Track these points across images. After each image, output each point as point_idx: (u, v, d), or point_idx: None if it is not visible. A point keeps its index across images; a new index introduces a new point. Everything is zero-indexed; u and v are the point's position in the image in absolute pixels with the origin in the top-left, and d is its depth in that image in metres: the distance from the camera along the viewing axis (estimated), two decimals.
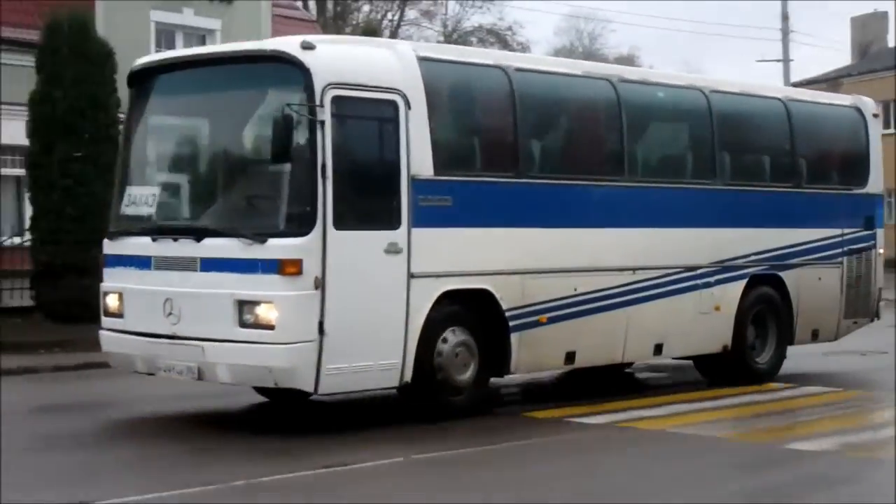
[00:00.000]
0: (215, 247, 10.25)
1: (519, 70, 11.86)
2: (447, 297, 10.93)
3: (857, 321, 15.39)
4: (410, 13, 49.58)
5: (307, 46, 10.19)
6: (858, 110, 15.68)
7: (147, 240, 10.78)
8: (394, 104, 10.62)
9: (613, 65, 14.82)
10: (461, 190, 11.13)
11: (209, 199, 10.79)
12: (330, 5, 45.81)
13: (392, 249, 10.52)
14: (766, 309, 14.21)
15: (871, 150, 15.58)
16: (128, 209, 11.07)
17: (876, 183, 15.57)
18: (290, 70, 10.09)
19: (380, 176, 10.57)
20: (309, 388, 10.12)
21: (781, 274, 14.31)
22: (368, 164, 10.59)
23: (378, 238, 10.45)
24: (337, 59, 10.39)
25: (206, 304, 10.23)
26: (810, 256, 14.65)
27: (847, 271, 15.11)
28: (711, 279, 13.52)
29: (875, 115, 15.83)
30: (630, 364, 14.62)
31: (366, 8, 47.61)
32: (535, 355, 11.82)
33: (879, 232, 15.49)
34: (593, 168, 12.55)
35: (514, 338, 11.55)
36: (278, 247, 9.97)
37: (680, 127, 13.96)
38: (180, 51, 10.68)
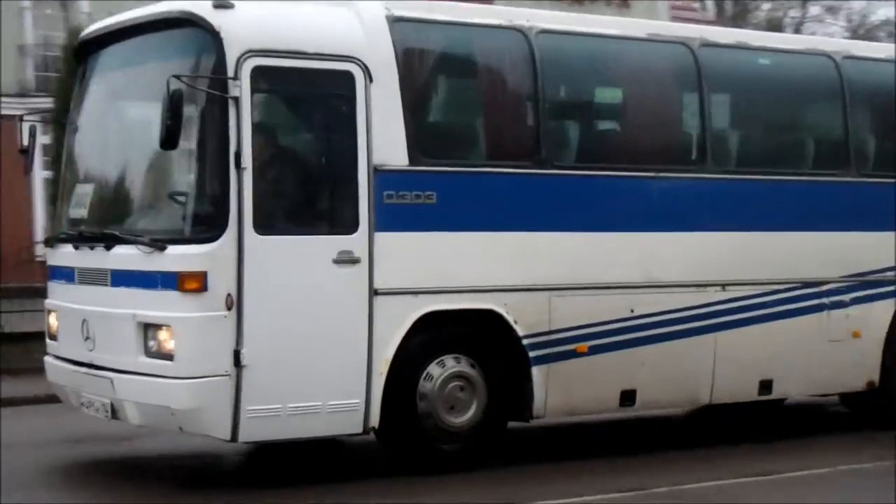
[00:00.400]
0: (122, 257, 8.32)
1: (544, 32, 9.38)
2: (435, 320, 8.67)
3: None
4: (813, 9, 47.85)
5: (220, 5, 8.13)
6: None
7: (71, 248, 9.08)
8: (348, 76, 8.39)
9: (692, 25, 11.45)
10: (454, 183, 8.76)
11: (120, 198, 8.79)
12: (728, 5, 44.75)
13: (344, 259, 8.32)
14: None
15: None
16: (68, 210, 9.27)
17: None
18: (201, 35, 8.10)
19: (325, 166, 8.46)
20: (223, 434, 8.05)
21: None
22: (309, 152, 8.57)
23: (323, 245, 8.26)
24: (263, 21, 8.27)
25: (113, 326, 8.40)
26: None
27: None
28: (846, 297, 10.57)
29: None
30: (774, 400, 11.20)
31: (766, 6, 46.28)
32: (572, 394, 9.30)
33: None
34: (662, 156, 9.82)
35: (538, 372, 9.08)
36: (177, 256, 7.98)
37: (797, 103, 11.01)
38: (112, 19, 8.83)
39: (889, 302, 10.78)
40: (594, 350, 9.29)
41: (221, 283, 7.90)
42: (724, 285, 9.86)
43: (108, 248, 8.43)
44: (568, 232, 9.21)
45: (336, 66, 8.36)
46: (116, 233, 8.38)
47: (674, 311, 9.64)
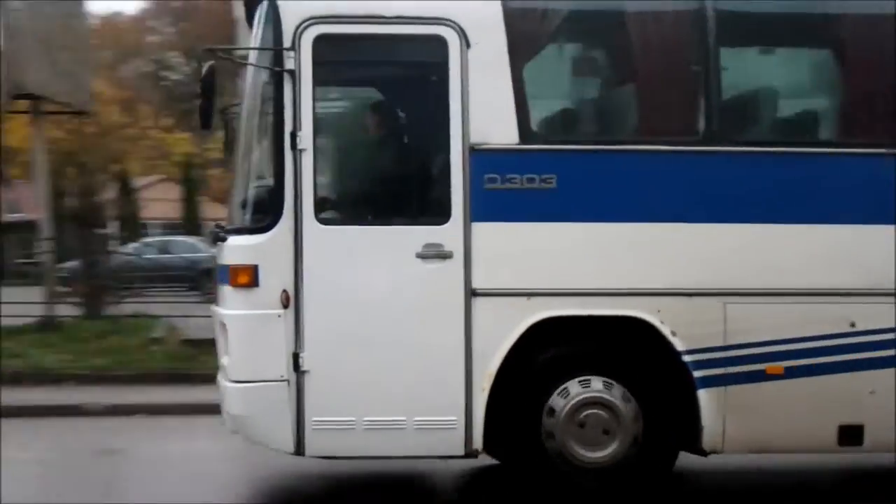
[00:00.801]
0: (224, 248, 7.61)
1: None
2: (557, 330, 7.37)
3: None
4: None
5: None
6: None
7: None
8: (439, 41, 7.29)
9: None
10: (578, 164, 7.36)
11: (239, 185, 7.88)
12: None
13: (431, 253, 7.27)
14: None
15: None
16: None
17: None
18: (267, 6, 7.34)
19: (407, 146, 7.53)
20: (285, 446, 7.28)
21: None
22: (388, 131, 7.60)
23: (403, 236, 7.26)
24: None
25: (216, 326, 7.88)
26: None
27: None
28: None
29: None
30: None
31: None
32: (763, 426, 7.56)
33: None
34: (869, 126, 7.65)
35: (708, 396, 7.47)
36: (230, 248, 7.34)
37: None
38: None
39: None
40: (793, 372, 7.48)
41: (275, 278, 7.14)
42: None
43: (222, 241, 7.67)
44: (750, 223, 7.48)
45: (423, 30, 7.29)
46: (216, 225, 7.86)
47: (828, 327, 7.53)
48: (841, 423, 7.62)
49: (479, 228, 7.26)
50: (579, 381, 7.48)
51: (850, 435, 7.62)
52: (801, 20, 7.81)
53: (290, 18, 7.23)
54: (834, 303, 7.53)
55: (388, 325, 7.22)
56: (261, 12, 7.44)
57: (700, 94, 7.54)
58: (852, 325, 7.56)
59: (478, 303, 7.27)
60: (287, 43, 7.18)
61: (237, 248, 7.28)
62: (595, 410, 7.46)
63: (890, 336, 7.54)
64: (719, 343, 7.47)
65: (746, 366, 7.49)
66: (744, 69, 7.85)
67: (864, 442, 7.65)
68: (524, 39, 7.41)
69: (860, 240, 7.54)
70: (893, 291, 7.54)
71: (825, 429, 7.63)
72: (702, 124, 7.51)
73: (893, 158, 7.52)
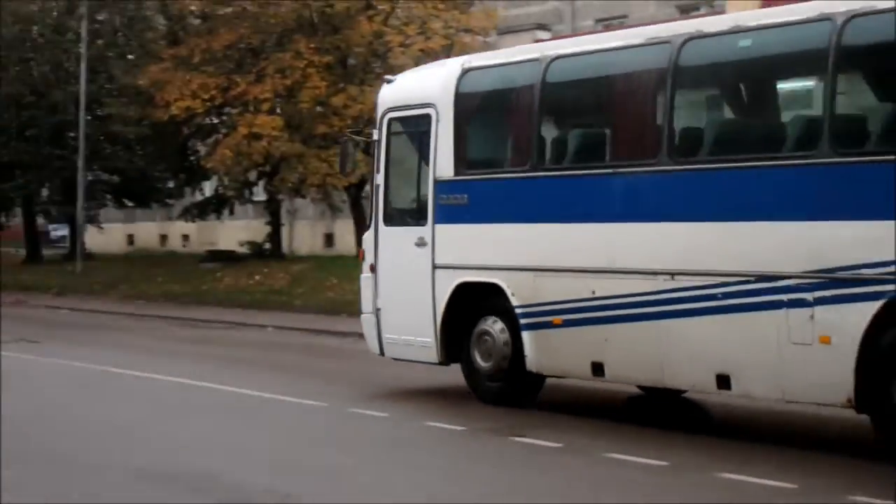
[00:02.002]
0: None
1: (557, 59, 11.96)
2: (471, 289, 12.48)
3: None
4: None
5: (388, 80, 13.74)
6: None
7: None
8: (428, 117, 12.93)
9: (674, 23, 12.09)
10: (476, 188, 12.47)
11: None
12: None
13: (420, 243, 12.88)
14: None
15: None
16: None
17: None
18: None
19: (416, 180, 13.11)
20: (376, 351, 13.50)
21: None
22: (406, 173, 13.39)
23: (411, 233, 12.95)
24: (400, 87, 13.49)
25: None
26: None
27: None
28: (809, 296, 9.55)
29: None
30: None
31: None
32: (552, 358, 11.80)
33: None
34: (617, 152, 11.50)
35: (527, 336, 11.97)
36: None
37: (763, 85, 10.80)
38: None
39: (870, 305, 9.20)
40: (567, 323, 11.54)
41: (369, 256, 13.45)
42: (672, 274, 10.54)
43: None
44: (549, 223, 11.69)
45: (422, 111, 12.95)
46: None
47: (626, 295, 10.93)
48: (592, 360, 11.36)
49: (438, 228, 12.62)
50: (483, 319, 12.45)
51: (598, 368, 11.34)
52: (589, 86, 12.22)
53: (380, 109, 13.51)
54: (584, 278, 11.32)
55: (406, 283, 12.91)
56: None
57: (531, 140, 12.08)
58: (593, 292, 11.25)
59: (437, 272, 12.65)
60: (377, 126, 13.51)
61: (363, 239, 13.78)
62: (486, 337, 12.46)
63: (619, 301, 11.00)
64: (531, 302, 11.83)
65: (544, 318, 11.70)
66: (553, 129, 12.38)
67: (606, 374, 11.32)
68: (460, 116, 12.64)
69: (606, 234, 11.14)
70: (623, 270, 10.97)
71: (584, 363, 11.43)
72: (532, 158, 11.99)
73: (636, 175, 10.92)
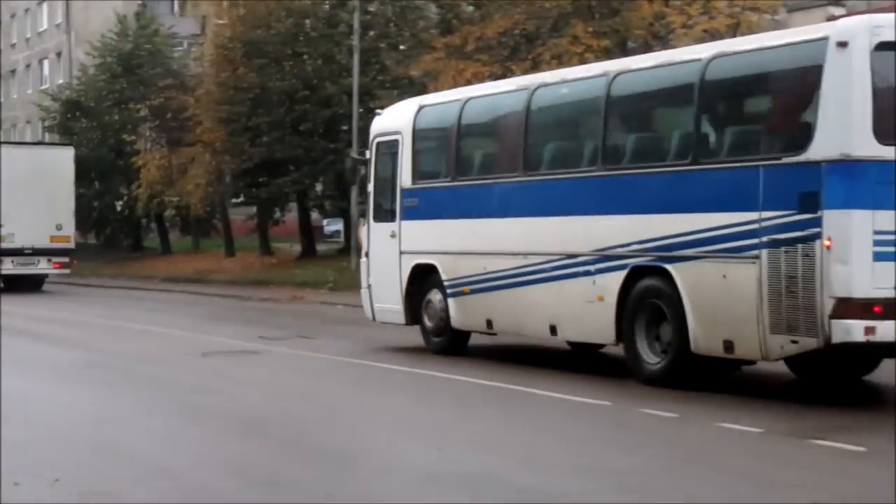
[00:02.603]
0: None
1: (471, 99, 17.93)
2: (422, 269, 17.95)
3: (795, 340, 12.11)
4: None
5: (377, 113, 19.69)
6: (819, 42, 12.12)
7: None
8: (397, 141, 18.65)
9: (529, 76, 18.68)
10: (422, 194, 18.16)
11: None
12: None
13: (392, 235, 18.45)
14: (657, 306, 13.85)
15: (821, 99, 11.95)
16: None
17: (827, 144, 11.81)
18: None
19: (390, 188, 18.76)
20: (370, 317, 19.25)
21: (669, 267, 13.52)
22: (385, 181, 19.01)
23: (388, 227, 18.60)
24: (382, 119, 19.41)
25: None
26: (709, 248, 12.94)
27: (770, 270, 12.27)
28: (591, 268, 14.79)
29: (841, 45, 11.87)
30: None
31: None
32: (466, 317, 17.30)
33: (829, 215, 11.71)
34: (498, 167, 17.17)
35: (451, 302, 17.52)
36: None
37: (572, 119, 16.51)
38: None
39: (620, 273, 14.28)
40: (473, 291, 17.07)
41: (364, 245, 19.24)
42: (525, 254, 15.93)
43: None
44: (461, 219, 17.29)
45: (394, 136, 18.66)
46: None
47: (502, 270, 16.38)
48: (486, 318, 16.81)
49: (403, 224, 18.22)
50: (430, 291, 17.93)
51: (489, 324, 16.78)
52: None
53: (371, 135, 19.32)
54: (480, 258, 16.79)
55: (385, 265, 18.48)
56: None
57: (451, 159, 17.74)
58: (485, 268, 16.68)
59: (402, 257, 18.17)
60: (369, 146, 19.26)
61: (360, 232, 21.17)
62: (430, 303, 17.93)
63: (497, 275, 16.39)
64: (452, 277, 17.34)
65: (459, 288, 17.21)
66: (464, 151, 17.75)
67: (494, 328, 16.75)
68: (415, 141, 18.29)
69: (491, 226, 16.54)
70: (500, 252, 16.38)
71: (481, 320, 16.89)
72: (452, 172, 17.67)
73: (506, 184, 16.57)
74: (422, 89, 33.77)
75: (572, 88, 16.01)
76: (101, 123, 54.61)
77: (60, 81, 68.79)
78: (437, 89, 31.23)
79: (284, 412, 12.74)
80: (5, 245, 38.96)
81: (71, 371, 16.74)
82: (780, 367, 14.49)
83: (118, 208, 56.78)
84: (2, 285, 37.65)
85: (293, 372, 16.42)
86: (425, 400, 13.73)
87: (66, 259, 40.20)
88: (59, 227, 40.00)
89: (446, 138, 17.81)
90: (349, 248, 38.31)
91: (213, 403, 13.30)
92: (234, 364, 17.26)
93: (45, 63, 78.17)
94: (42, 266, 39.83)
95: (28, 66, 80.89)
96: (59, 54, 74.93)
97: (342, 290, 31.54)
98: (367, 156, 19.42)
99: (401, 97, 37.51)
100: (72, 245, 40.59)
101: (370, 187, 19.32)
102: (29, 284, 39.50)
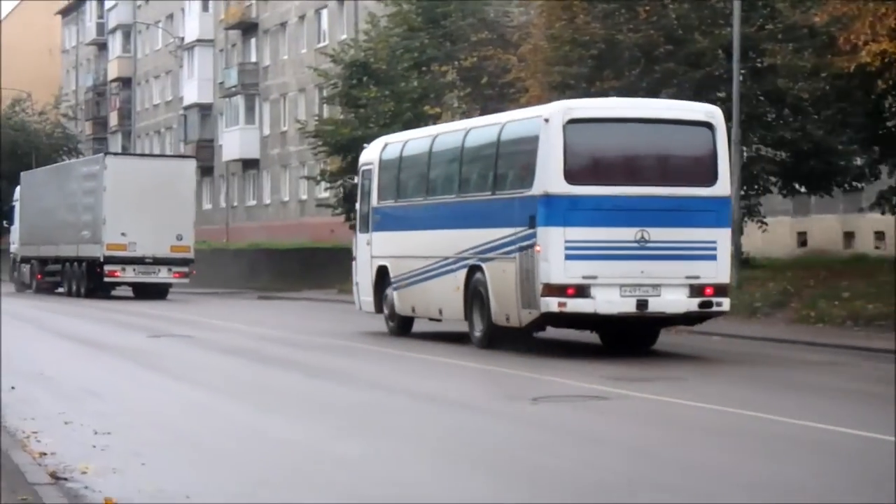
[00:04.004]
0: None
1: (439, 134, 32.33)
2: (382, 269, 32.38)
3: (531, 312, 26.16)
4: None
5: (363, 147, 35.78)
6: (537, 118, 27.20)
7: None
8: (371, 170, 33.47)
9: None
10: (382, 212, 32.71)
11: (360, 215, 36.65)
12: None
13: (368, 243, 33.09)
14: (479, 292, 27.98)
15: (539, 153, 26.34)
16: None
17: (539, 184, 26.21)
18: None
19: (367, 207, 33.62)
20: (358, 308, 34.33)
21: (483, 265, 27.92)
22: (364, 203, 34.25)
23: (366, 236, 33.41)
24: (366, 151, 34.74)
25: None
26: (499, 251, 27.35)
27: (519, 266, 26.46)
28: (454, 266, 29.05)
29: (546, 120, 26.41)
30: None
31: None
32: (403, 305, 31.48)
33: (541, 231, 25.90)
34: (417, 192, 32.04)
35: (395, 294, 31.64)
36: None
37: (447, 159, 31.19)
38: None
39: (464, 271, 28.44)
40: (405, 286, 31.30)
41: (354, 251, 34.94)
42: (425, 258, 30.33)
43: None
44: (399, 231, 32.16)
45: (370, 166, 33.86)
46: None
47: (414, 270, 30.92)
48: (412, 305, 31.39)
49: (374, 234, 33.19)
50: (387, 286, 32.35)
51: (414, 310, 31.54)
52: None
53: (360, 163, 34.99)
54: (408, 260, 31.32)
55: (363, 267, 33.71)
56: None
57: (394, 185, 32.92)
58: (411, 268, 31.16)
59: (373, 260, 32.97)
60: (358, 172, 35.37)
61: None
62: (386, 295, 32.40)
63: (415, 273, 30.91)
64: (396, 275, 31.75)
65: (398, 283, 31.65)
66: (403, 178, 32.99)
67: (416, 313, 31.61)
68: (381, 169, 33.13)
69: (413, 236, 31.47)
70: (416, 255, 30.96)
71: (409, 308, 31.58)
72: (395, 195, 32.84)
73: (415, 206, 31.77)
74: (826, 43, 33.50)
75: (448, 138, 31.32)
76: (396, 92, 56.04)
77: (343, 38, 70.85)
78: (848, 42, 31.01)
79: (659, 486, 12.95)
80: (128, 253, 54.97)
81: (353, 416, 17.66)
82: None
83: None
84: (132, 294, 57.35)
85: (659, 428, 16.58)
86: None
87: (185, 269, 56.31)
88: (179, 238, 55.55)
89: (396, 168, 32.94)
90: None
91: (560, 468, 13.65)
92: (575, 414, 17.77)
93: (324, 13, 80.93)
94: (163, 275, 55.96)
95: (302, 16, 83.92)
96: (341, 1, 77.22)
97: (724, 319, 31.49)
98: (356, 181, 35.67)
99: (796, 55, 37.64)
100: (191, 255, 56.24)
101: (357, 206, 35.56)
102: (153, 293, 56.42)
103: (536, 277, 25.58)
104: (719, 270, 26.44)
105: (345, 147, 55.01)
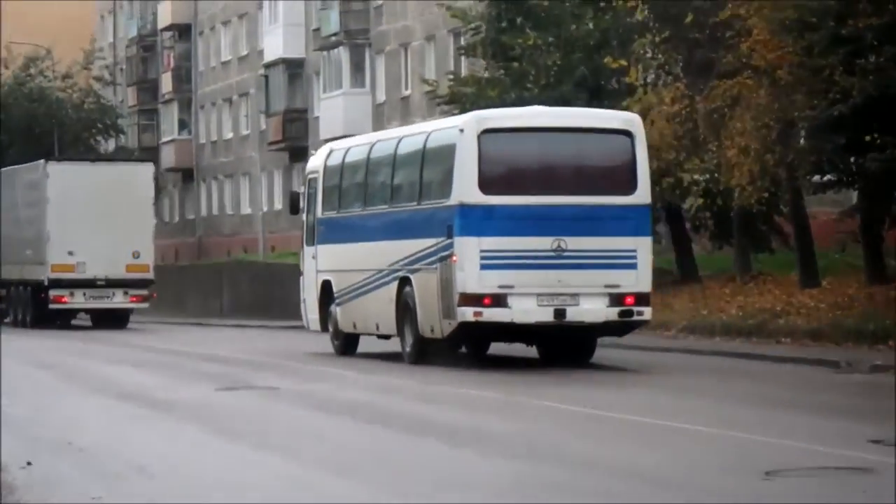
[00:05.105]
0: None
1: (377, 142, 44.20)
2: (326, 283, 44.08)
3: (450, 322, 35.56)
4: None
5: (311, 154, 58.44)
6: (453, 129, 37.48)
7: None
8: (316, 178, 45.36)
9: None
10: (325, 223, 44.63)
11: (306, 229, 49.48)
12: None
13: (313, 257, 45.41)
14: (408, 305, 37.44)
15: (456, 163, 36.14)
16: None
17: (456, 194, 35.85)
18: None
19: (312, 219, 45.75)
20: (307, 326, 46.85)
21: (412, 276, 37.41)
22: (309, 214, 46.77)
23: (311, 249, 45.65)
24: (312, 159, 49.48)
25: None
26: (422, 262, 36.98)
27: (440, 276, 35.98)
28: (387, 279, 39.19)
29: (461, 130, 36.13)
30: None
31: None
32: (345, 322, 42.93)
33: (457, 241, 35.51)
34: (356, 203, 43.38)
35: (338, 310, 43.25)
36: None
37: (380, 170, 41.97)
38: None
39: (395, 283, 39.19)
40: (346, 301, 42.94)
41: (301, 266, 48.07)
42: (363, 270, 41.82)
43: None
44: (338, 244, 44.01)
45: (315, 174, 45.88)
46: None
47: (354, 283, 42.39)
48: (353, 321, 43.06)
49: (319, 247, 45.21)
50: (331, 302, 44.28)
51: (356, 326, 42.99)
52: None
53: (306, 172, 49.06)
54: (349, 275, 42.86)
55: (310, 282, 45.93)
56: None
57: (335, 196, 44.81)
58: (350, 282, 42.75)
59: (318, 274, 45.01)
60: (303, 182, 49.62)
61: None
62: (330, 311, 44.06)
63: (354, 287, 42.39)
64: (339, 290, 43.47)
65: (341, 298, 43.34)
66: (343, 190, 44.96)
67: (357, 329, 43.17)
68: (324, 178, 44.98)
69: (352, 249, 43.13)
70: (355, 269, 42.56)
71: (350, 324, 43.08)
72: (337, 207, 44.59)
73: (353, 218, 43.70)
74: None
75: (384, 146, 41.12)
76: (564, 38, 56.25)
77: None
78: None
79: None
80: (76, 275, 62.29)
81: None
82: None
83: None
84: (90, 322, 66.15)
85: None
86: None
87: (144, 291, 64.49)
88: (136, 255, 63.34)
89: (338, 177, 42.80)
90: None
91: None
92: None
93: None
94: (118, 300, 63.72)
95: None
96: None
97: None
98: (301, 190, 45.38)
99: None
100: (151, 275, 64.60)
101: (303, 216, 45.58)
102: (109, 321, 64.19)
103: (454, 287, 35.53)
104: (640, 279, 35.83)
105: None
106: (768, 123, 44.81)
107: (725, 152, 46.43)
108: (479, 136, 35.48)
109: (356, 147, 44.14)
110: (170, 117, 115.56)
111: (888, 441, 21.34)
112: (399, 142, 40.70)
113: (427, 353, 37.89)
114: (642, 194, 35.59)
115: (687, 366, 38.57)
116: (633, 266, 35.35)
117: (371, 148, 42.34)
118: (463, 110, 57.15)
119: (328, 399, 30.66)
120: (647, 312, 35.54)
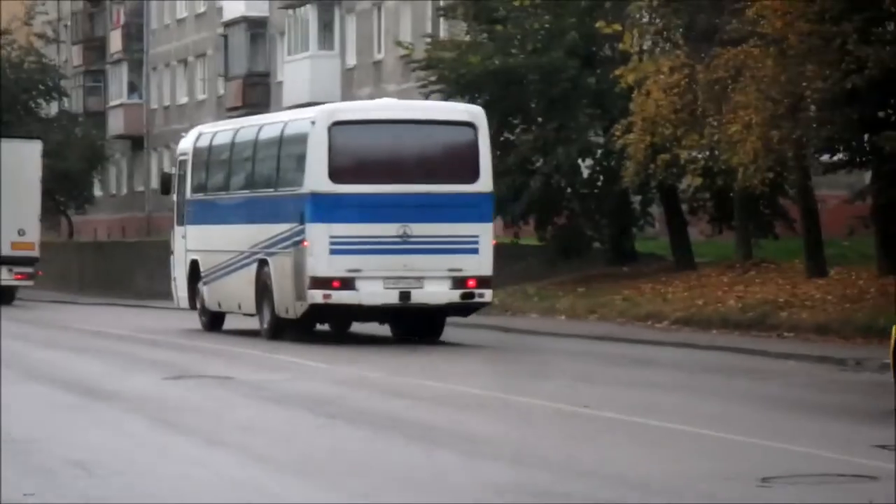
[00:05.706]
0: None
1: (241, 128, 52.59)
2: (195, 263, 52.65)
3: (302, 304, 43.51)
4: None
5: (182, 136, 58.08)
6: (306, 120, 46.19)
7: None
8: (186, 161, 54.73)
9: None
10: (195, 205, 53.27)
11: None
12: None
13: (183, 237, 54.21)
14: (266, 286, 45.99)
15: (308, 153, 44.26)
16: None
17: (307, 183, 43.78)
18: None
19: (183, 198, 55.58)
20: (176, 304, 56.18)
21: (269, 259, 46.16)
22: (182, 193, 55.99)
23: (180, 230, 54.43)
24: (183, 141, 56.19)
25: None
26: (280, 245, 45.38)
27: (293, 259, 44.15)
28: (248, 261, 47.83)
29: (313, 122, 44.44)
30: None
31: None
32: (211, 301, 51.28)
33: (308, 227, 43.49)
34: (221, 186, 51.81)
35: (204, 288, 51.44)
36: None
37: (244, 155, 50.61)
38: None
39: (255, 265, 47.55)
40: (212, 280, 51.35)
41: (171, 245, 58.12)
42: (228, 251, 50.11)
43: None
44: (205, 225, 52.70)
45: (185, 157, 55.03)
46: None
47: (219, 263, 50.59)
48: (218, 300, 51.39)
49: (188, 227, 53.88)
50: (199, 281, 53.16)
51: (220, 305, 51.26)
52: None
53: (177, 152, 58.06)
54: (215, 254, 51.37)
55: (179, 261, 54.30)
56: None
57: (202, 177, 53.47)
58: (217, 262, 50.97)
59: (188, 253, 53.65)
60: (175, 163, 60.25)
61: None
62: (198, 290, 52.38)
63: (219, 266, 50.48)
64: (205, 269, 51.84)
65: (207, 278, 51.70)
66: (210, 171, 53.94)
67: (222, 308, 51.72)
68: (194, 159, 53.50)
69: (219, 230, 51.44)
70: (221, 250, 50.91)
71: (216, 302, 51.40)
72: (205, 188, 53.56)
73: (222, 200, 52.53)
74: None
75: (247, 132, 49.61)
76: (555, 4, 56.30)
77: None
78: None
79: None
80: None
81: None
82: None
83: (584, 174, 58.30)
84: None
85: None
86: None
87: (29, 269, 72.91)
88: (21, 233, 71.55)
89: (206, 160, 50.79)
90: None
91: None
92: None
93: None
94: (3, 276, 71.49)
95: None
96: None
97: None
98: (173, 171, 53.74)
99: None
100: (36, 253, 72.87)
101: (174, 197, 53.00)
102: None
103: (305, 271, 43.33)
104: (482, 263, 43.44)
105: (472, 85, 55.65)
106: (775, 97, 44.55)
107: (727, 127, 45.94)
108: (329, 128, 43.64)
109: (222, 132, 52.80)
110: (118, 79, 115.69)
111: (893, 446, 21.51)
112: (260, 129, 49.16)
113: (283, 330, 46.24)
114: (485, 183, 43.77)
115: (681, 361, 38.42)
116: (475, 251, 43.38)
117: (236, 133, 50.87)
118: (441, 77, 57.63)
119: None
120: (487, 294, 43.92)
